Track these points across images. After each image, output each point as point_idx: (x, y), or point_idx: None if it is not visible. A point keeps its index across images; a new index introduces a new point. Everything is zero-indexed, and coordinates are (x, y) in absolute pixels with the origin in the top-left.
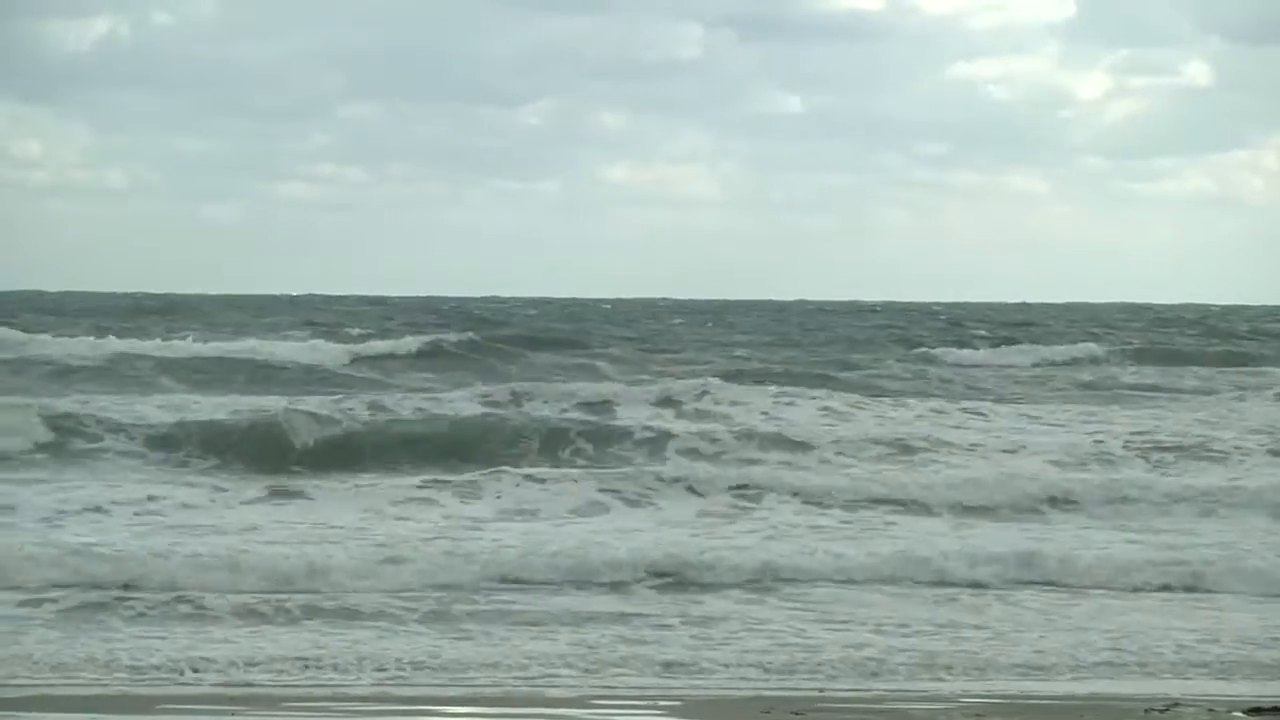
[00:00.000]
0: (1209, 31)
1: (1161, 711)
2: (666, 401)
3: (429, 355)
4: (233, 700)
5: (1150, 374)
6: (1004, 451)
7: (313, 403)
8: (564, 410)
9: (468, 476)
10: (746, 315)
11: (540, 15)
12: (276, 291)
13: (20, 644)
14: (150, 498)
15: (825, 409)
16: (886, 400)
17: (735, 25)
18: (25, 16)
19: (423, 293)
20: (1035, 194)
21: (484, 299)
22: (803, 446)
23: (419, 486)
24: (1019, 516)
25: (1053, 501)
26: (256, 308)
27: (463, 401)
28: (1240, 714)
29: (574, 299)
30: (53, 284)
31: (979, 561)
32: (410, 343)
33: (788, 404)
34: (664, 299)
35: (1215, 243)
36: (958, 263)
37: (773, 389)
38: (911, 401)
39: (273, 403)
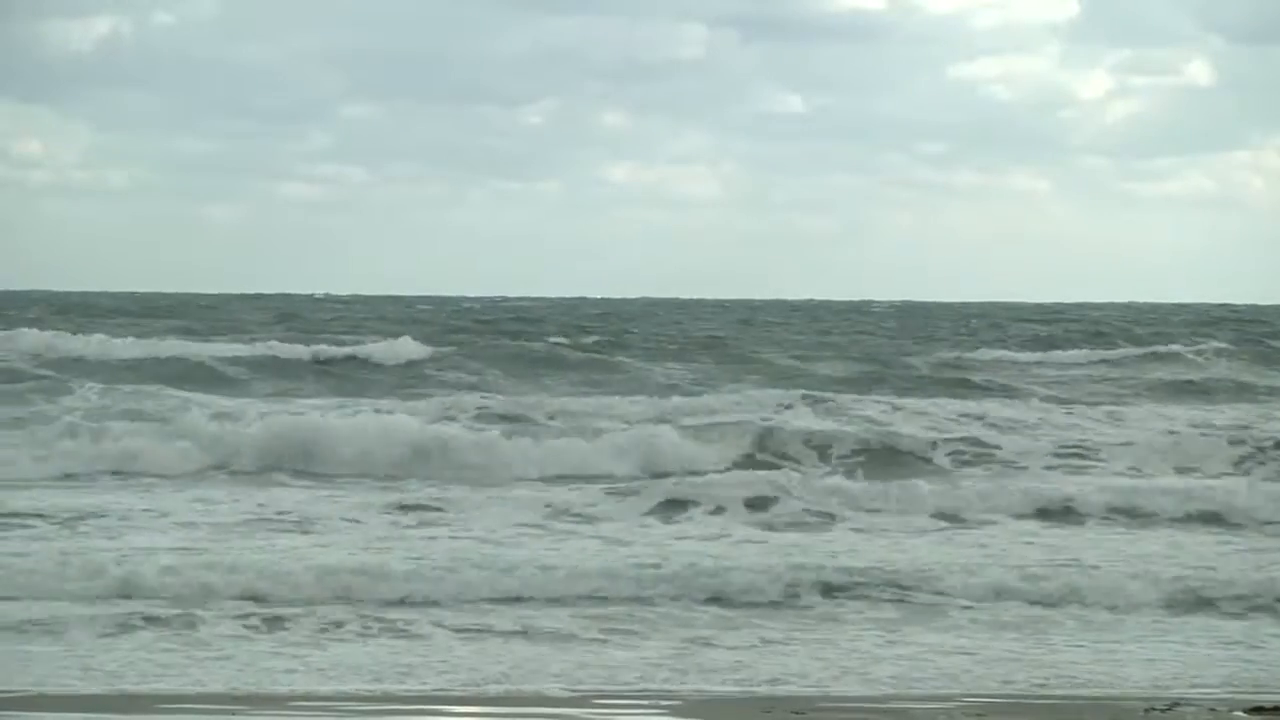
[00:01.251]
0: (1210, 31)
1: (1163, 711)
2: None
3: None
4: (234, 700)
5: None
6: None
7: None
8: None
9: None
10: (761, 315)
11: (542, 15)
12: (276, 291)
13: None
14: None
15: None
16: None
17: (738, 25)
18: (26, 16)
19: (424, 292)
20: (1036, 194)
21: (496, 299)
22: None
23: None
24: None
25: None
26: (272, 308)
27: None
28: (1241, 713)
29: (581, 298)
30: (53, 284)
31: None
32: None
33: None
34: (670, 299)
35: (1216, 243)
36: (959, 263)
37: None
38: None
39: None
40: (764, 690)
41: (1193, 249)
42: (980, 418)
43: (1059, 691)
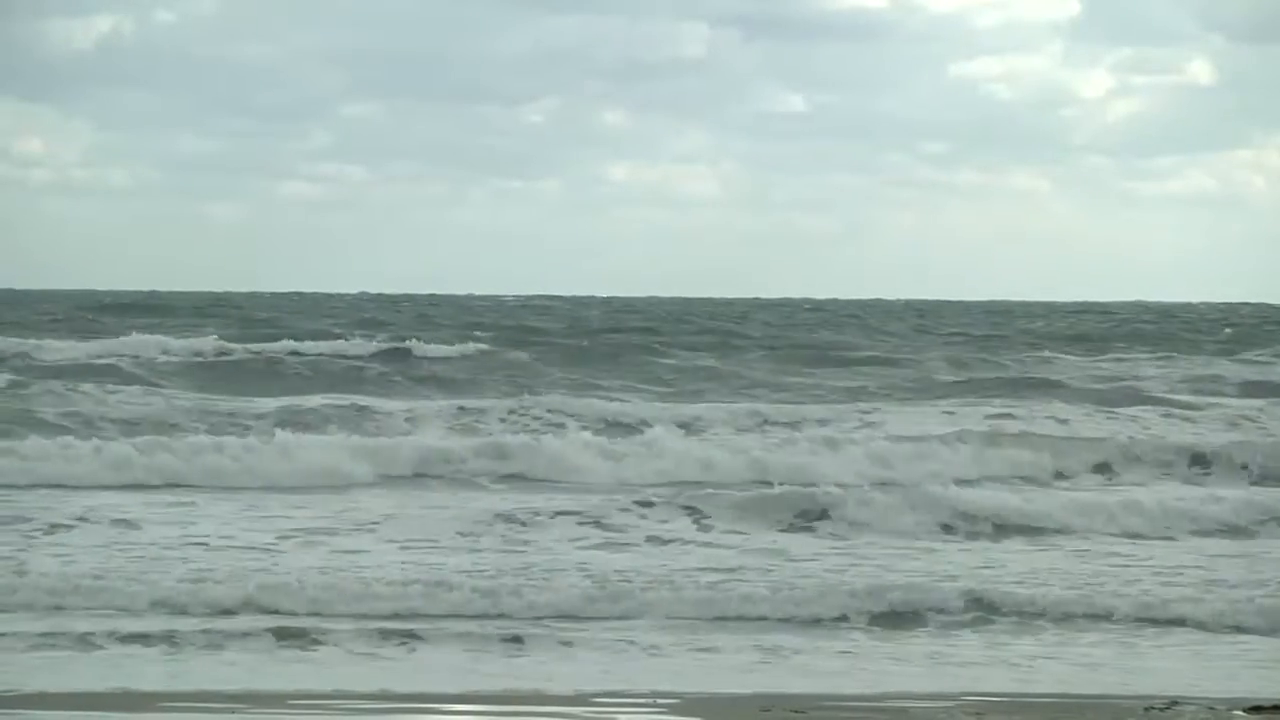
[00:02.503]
0: (1212, 30)
1: (1162, 710)
2: None
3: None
4: (234, 699)
5: None
6: None
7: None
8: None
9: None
10: (781, 313)
11: (543, 14)
12: (277, 290)
13: None
14: None
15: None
16: None
17: (740, 24)
18: (27, 15)
19: (423, 291)
20: (1037, 193)
21: (506, 297)
22: None
23: None
24: None
25: None
26: (287, 306)
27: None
28: (1240, 712)
29: (591, 296)
30: (54, 283)
31: None
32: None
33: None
34: (677, 298)
35: (1218, 242)
36: (960, 262)
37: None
38: None
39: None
40: (763, 689)
41: (1194, 248)
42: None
43: (1058, 690)
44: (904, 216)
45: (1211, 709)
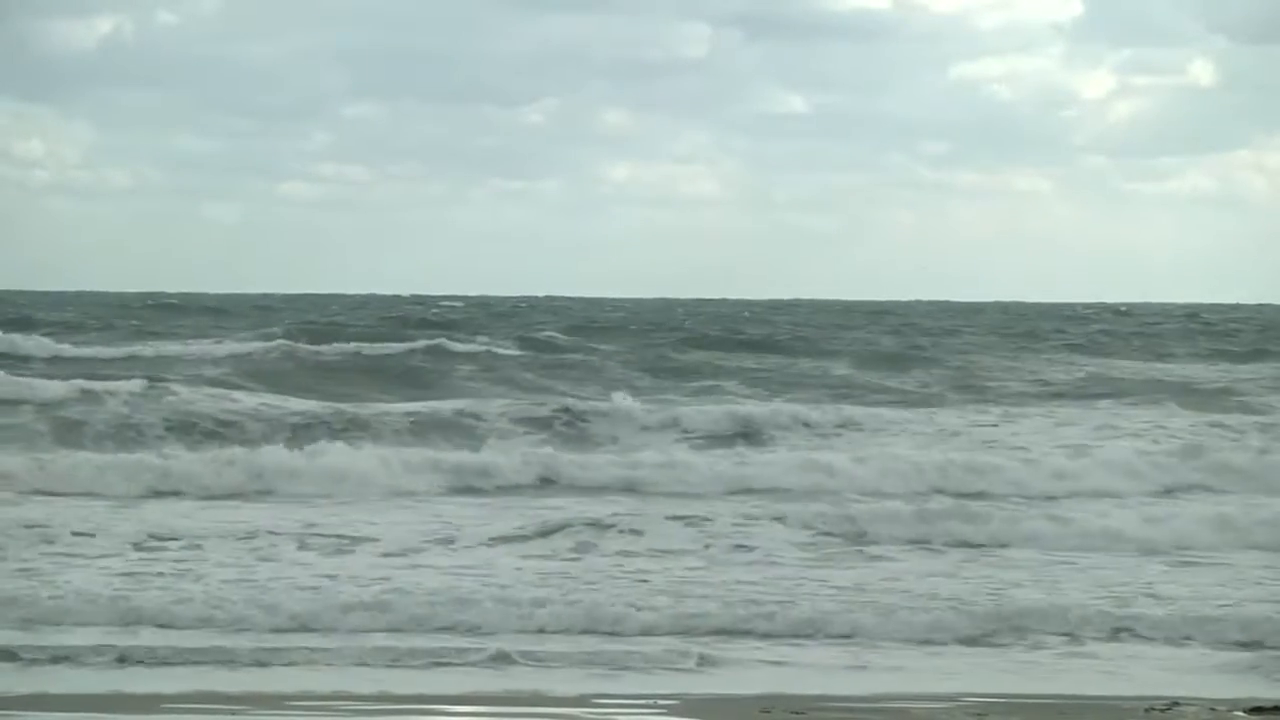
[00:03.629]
0: (1214, 31)
1: (1162, 711)
2: None
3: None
4: (234, 699)
5: None
6: None
7: None
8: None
9: None
10: (799, 314)
11: (544, 14)
12: (278, 291)
13: None
14: None
15: None
16: None
17: (742, 24)
18: (28, 15)
19: (424, 292)
20: (1038, 193)
21: (516, 297)
22: None
23: None
24: None
25: None
26: (299, 307)
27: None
28: (1241, 713)
29: (600, 298)
30: (54, 284)
31: None
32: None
33: None
34: (687, 299)
35: (1218, 242)
36: (960, 262)
37: None
38: None
39: None
40: (763, 690)
41: (1195, 249)
42: None
43: (1058, 690)
44: (905, 217)
45: (1212, 709)
